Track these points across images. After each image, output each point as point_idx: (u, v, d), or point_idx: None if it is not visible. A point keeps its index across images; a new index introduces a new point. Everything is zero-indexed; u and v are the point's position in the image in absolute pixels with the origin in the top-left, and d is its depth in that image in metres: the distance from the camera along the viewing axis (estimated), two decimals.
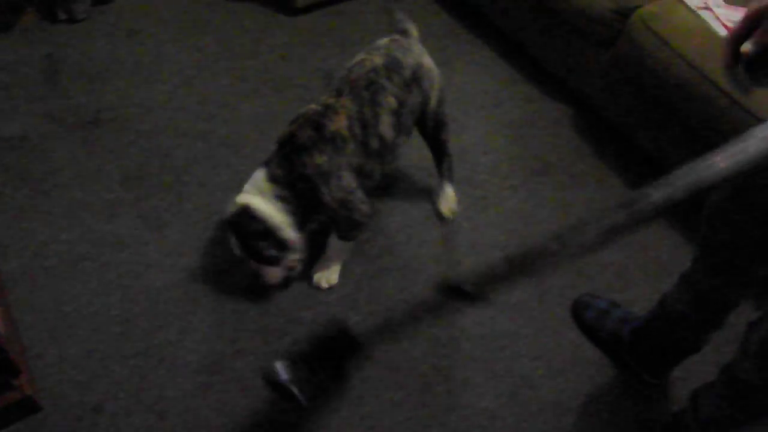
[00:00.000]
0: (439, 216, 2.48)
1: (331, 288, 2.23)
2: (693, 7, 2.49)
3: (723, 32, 2.38)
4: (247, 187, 1.98)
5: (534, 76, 3.02)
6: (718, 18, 2.43)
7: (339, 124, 1.96)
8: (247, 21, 3.07)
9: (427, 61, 2.22)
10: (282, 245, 2.00)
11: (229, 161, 2.53)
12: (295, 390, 1.59)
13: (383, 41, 2.19)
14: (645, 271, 2.40)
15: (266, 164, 1.98)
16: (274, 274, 2.10)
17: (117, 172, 2.45)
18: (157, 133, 2.59)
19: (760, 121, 1.17)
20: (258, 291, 2.19)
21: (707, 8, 2.48)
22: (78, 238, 2.27)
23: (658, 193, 1.11)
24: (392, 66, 2.07)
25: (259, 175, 1.96)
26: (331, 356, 1.62)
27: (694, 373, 2.06)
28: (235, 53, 2.92)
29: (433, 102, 2.23)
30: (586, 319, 2.21)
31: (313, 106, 2.01)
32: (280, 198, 1.95)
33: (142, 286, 2.17)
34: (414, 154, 2.54)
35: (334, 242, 2.18)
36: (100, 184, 2.42)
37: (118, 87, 2.73)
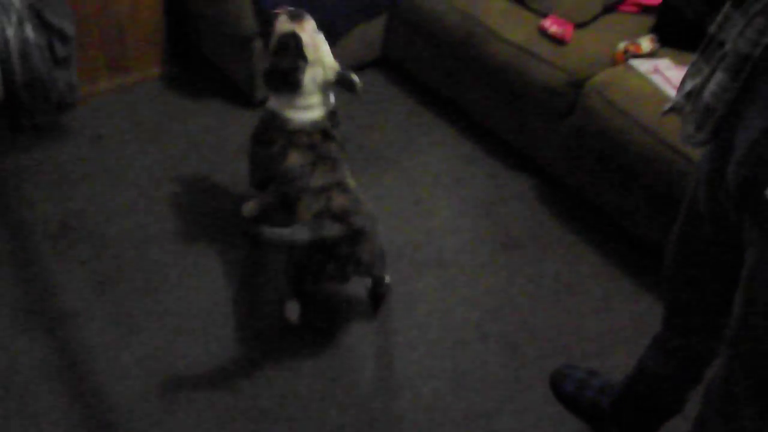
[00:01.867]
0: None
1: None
2: (643, 72, 2.55)
3: (674, 94, 2.43)
4: None
5: (496, 151, 3.05)
6: (668, 81, 2.48)
7: None
8: (209, 118, 3.09)
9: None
10: None
11: (201, 262, 2.52)
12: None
13: None
14: (620, 336, 2.40)
15: None
16: None
17: (89, 279, 2.43)
18: (126, 237, 2.58)
19: None
20: (238, 393, 2.15)
21: (657, 72, 2.54)
22: (52, 349, 2.23)
23: None
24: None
25: None
26: None
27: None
28: (200, 152, 2.93)
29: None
30: (566, 391, 2.19)
31: None
32: None
33: (117, 393, 2.13)
34: None
35: None
36: (72, 293, 2.39)
37: (84, 193, 2.73)
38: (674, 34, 2.70)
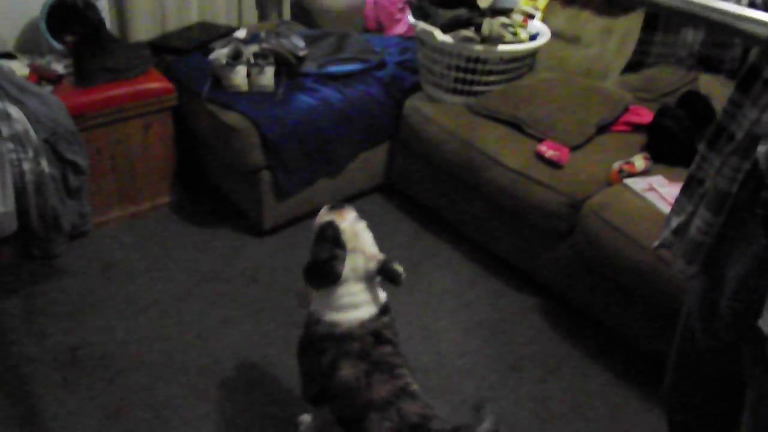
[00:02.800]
0: None
1: None
2: (638, 191, 2.62)
3: (669, 211, 2.49)
4: None
5: (499, 272, 3.09)
6: (663, 197, 2.55)
7: None
8: (219, 247, 3.15)
9: None
10: None
11: (211, 392, 2.50)
12: None
13: None
14: None
15: None
16: None
17: (98, 411, 2.41)
18: (136, 369, 2.57)
19: None
20: None
21: (652, 189, 2.60)
22: None
23: None
24: None
25: None
26: None
27: None
28: (208, 280, 2.97)
29: None
30: None
31: None
32: None
33: None
34: None
35: None
36: (80, 424, 2.36)
37: (94, 322, 2.74)
38: (665, 151, 2.79)
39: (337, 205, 2.16)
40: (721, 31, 1.09)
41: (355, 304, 2.03)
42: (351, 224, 2.09)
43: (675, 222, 1.46)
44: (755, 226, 1.25)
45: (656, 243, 1.55)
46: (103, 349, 2.64)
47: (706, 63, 1.24)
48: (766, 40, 1.04)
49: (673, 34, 1.24)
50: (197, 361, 2.62)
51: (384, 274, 2.04)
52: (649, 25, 1.26)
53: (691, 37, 1.24)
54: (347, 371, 1.94)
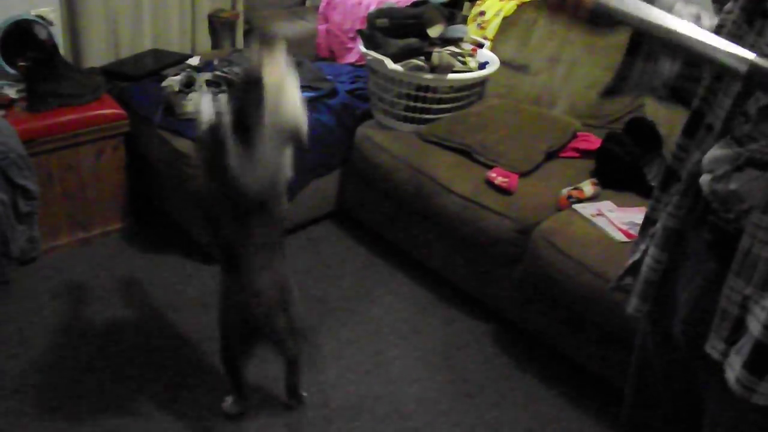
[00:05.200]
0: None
1: None
2: (588, 216, 2.67)
3: (618, 235, 2.54)
4: None
5: (452, 298, 3.11)
6: (612, 222, 2.60)
7: None
8: (169, 273, 3.13)
9: None
10: None
11: (161, 422, 2.48)
12: None
13: None
14: None
15: None
16: None
17: None
18: (85, 398, 2.53)
19: None
20: None
21: (601, 215, 2.66)
22: None
23: None
24: None
25: None
26: None
27: None
28: (159, 307, 2.95)
29: None
30: None
31: None
32: None
33: None
34: None
35: None
36: None
37: (43, 350, 2.70)
38: (613, 177, 2.85)
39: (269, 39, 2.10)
40: (698, 60, 1.15)
41: None
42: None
43: (630, 261, 1.51)
44: (703, 251, 1.29)
45: (612, 284, 1.58)
46: (52, 376, 2.60)
47: (677, 95, 1.30)
48: (743, 75, 1.08)
49: (653, 63, 1.29)
50: (147, 386, 2.59)
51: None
52: (632, 51, 1.31)
53: (668, 68, 1.29)
54: None
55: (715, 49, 1.10)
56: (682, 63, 1.34)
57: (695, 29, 1.12)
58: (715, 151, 1.24)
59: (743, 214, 1.19)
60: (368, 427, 2.51)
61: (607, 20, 1.21)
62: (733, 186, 1.19)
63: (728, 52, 1.09)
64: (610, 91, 1.43)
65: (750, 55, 1.07)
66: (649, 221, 1.45)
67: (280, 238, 2.28)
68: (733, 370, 1.20)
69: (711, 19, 1.32)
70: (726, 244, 1.22)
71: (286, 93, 2.10)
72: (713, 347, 1.24)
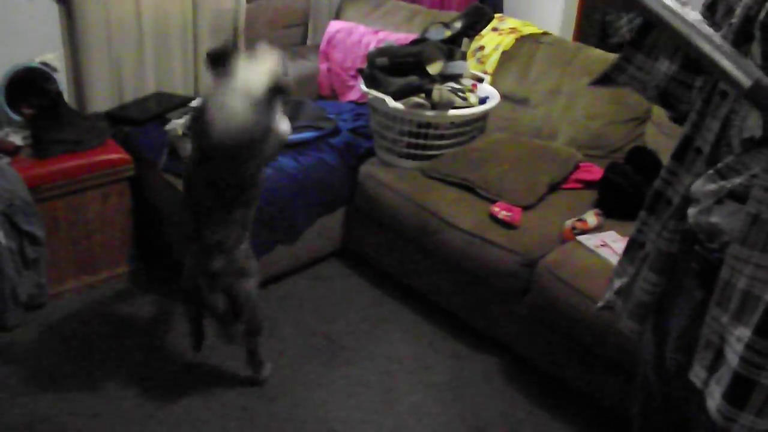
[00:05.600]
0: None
1: None
2: (592, 247, 2.68)
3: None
4: None
5: (459, 333, 3.11)
6: (616, 252, 2.61)
7: None
8: (175, 315, 3.13)
9: None
10: None
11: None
12: None
13: None
14: None
15: None
16: None
17: None
18: None
19: None
20: None
21: (605, 245, 2.67)
22: None
23: None
24: None
25: None
26: None
27: None
28: (168, 352, 2.96)
29: None
30: None
31: None
32: None
33: None
34: None
35: None
36: None
37: (52, 396, 2.70)
38: (617, 207, 2.87)
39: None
40: (705, 63, 1.16)
41: None
42: None
43: (617, 284, 1.52)
44: (691, 281, 1.30)
45: (600, 304, 1.60)
46: (61, 423, 2.60)
47: (664, 98, 1.32)
48: (746, 90, 1.10)
49: (652, 60, 1.31)
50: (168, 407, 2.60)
51: None
52: (636, 44, 1.34)
53: (665, 68, 1.32)
54: None
55: (725, 56, 1.11)
56: (679, 66, 1.35)
57: (712, 32, 1.14)
58: (700, 185, 1.26)
59: (725, 245, 1.20)
60: None
61: (629, 5, 1.22)
62: (713, 219, 1.21)
63: (737, 63, 1.10)
64: (602, 80, 1.44)
65: (757, 73, 1.09)
66: (635, 243, 1.46)
67: (245, 209, 2.51)
68: (714, 399, 1.21)
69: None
70: (711, 274, 1.23)
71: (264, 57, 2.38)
72: (696, 375, 1.25)
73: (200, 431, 2.58)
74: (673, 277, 1.37)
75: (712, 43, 1.13)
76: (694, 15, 1.17)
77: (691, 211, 1.27)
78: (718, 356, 1.21)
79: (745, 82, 1.09)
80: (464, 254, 2.91)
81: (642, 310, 1.44)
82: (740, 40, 1.22)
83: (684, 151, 1.33)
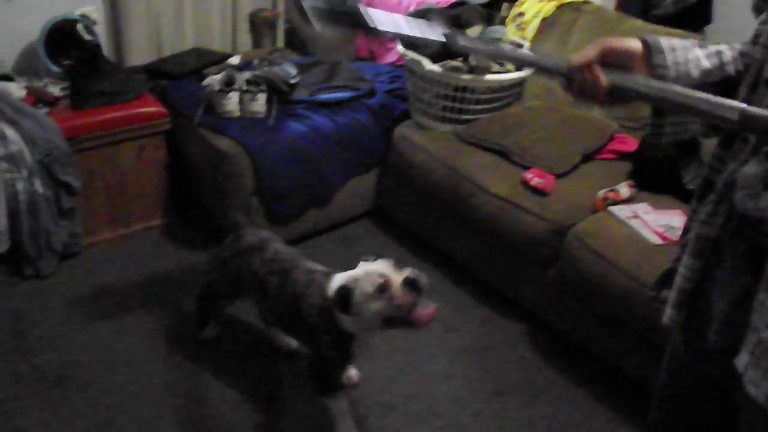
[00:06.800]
0: None
1: None
2: (623, 218, 2.66)
3: (654, 238, 2.53)
4: None
5: (486, 298, 3.12)
6: (647, 225, 2.59)
7: None
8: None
9: None
10: None
11: (198, 418, 2.52)
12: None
13: None
14: None
15: None
16: None
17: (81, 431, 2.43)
18: (122, 390, 2.58)
19: None
20: None
21: (636, 217, 2.65)
22: None
23: None
24: None
25: None
26: None
27: None
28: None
29: None
30: None
31: None
32: None
33: None
34: None
35: None
36: None
37: (83, 342, 2.76)
38: (650, 180, 2.84)
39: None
40: (697, 116, 1.29)
41: None
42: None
43: (666, 269, 1.52)
44: (739, 263, 1.29)
45: (652, 294, 1.58)
46: (90, 369, 2.66)
47: (713, 128, 1.38)
48: (736, 123, 1.16)
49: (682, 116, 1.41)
50: (186, 382, 2.64)
51: None
52: (655, 112, 1.41)
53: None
54: None
55: (708, 103, 1.19)
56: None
57: (690, 91, 1.22)
58: (749, 168, 1.24)
59: None
60: (401, 424, 2.53)
61: (622, 97, 1.33)
62: (763, 204, 1.19)
63: (719, 105, 1.18)
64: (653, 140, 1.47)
65: (739, 105, 1.16)
66: (686, 231, 1.46)
67: None
68: (757, 386, 1.20)
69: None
70: (761, 257, 1.22)
71: None
72: (740, 360, 1.24)
73: (226, 382, 2.62)
74: (716, 260, 1.35)
75: (692, 98, 1.21)
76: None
77: (739, 197, 1.26)
78: (760, 342, 1.20)
79: (732, 116, 1.15)
80: (495, 220, 2.91)
81: (683, 297, 1.43)
82: None
83: (731, 139, 1.31)
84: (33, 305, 2.92)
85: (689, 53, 1.34)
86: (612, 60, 1.34)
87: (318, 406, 2.47)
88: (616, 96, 1.32)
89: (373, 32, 1.37)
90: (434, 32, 1.42)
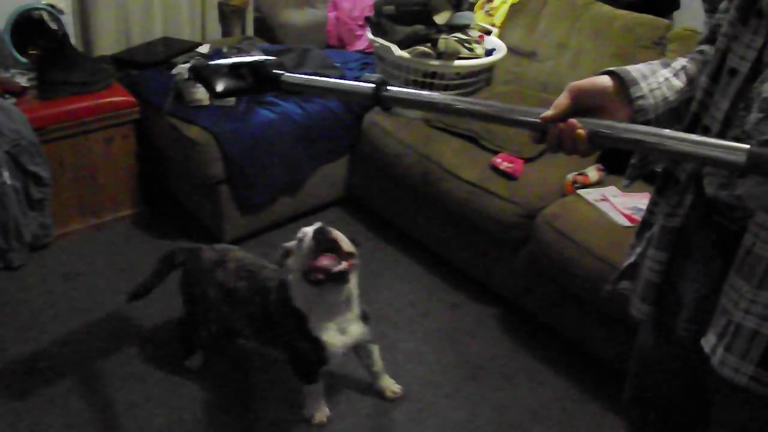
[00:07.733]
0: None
1: None
2: (592, 201, 2.69)
3: (622, 220, 2.56)
4: None
5: (457, 282, 3.14)
6: (615, 207, 2.62)
7: None
8: None
9: None
10: None
11: (167, 401, 2.52)
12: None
13: None
14: None
15: None
16: None
17: (57, 422, 2.41)
18: (96, 380, 2.58)
19: None
20: None
21: (605, 200, 2.68)
22: None
23: None
24: None
25: None
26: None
27: None
28: (169, 292, 2.97)
29: None
30: None
31: None
32: None
33: None
34: None
35: None
36: None
37: (55, 334, 2.75)
38: (618, 164, 2.85)
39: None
40: (696, 162, 1.22)
41: None
42: None
43: (625, 264, 1.53)
44: (709, 250, 1.30)
45: (609, 287, 1.59)
46: (63, 360, 2.65)
47: None
48: (744, 166, 1.07)
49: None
50: (158, 371, 2.64)
51: None
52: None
53: None
54: None
55: (709, 147, 1.09)
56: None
57: (684, 135, 1.13)
58: None
59: (748, 215, 1.19)
60: (374, 409, 2.55)
61: (603, 146, 1.24)
62: (738, 192, 1.20)
63: (724, 147, 1.08)
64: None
65: (745, 146, 1.06)
66: (645, 225, 1.46)
67: None
68: (735, 370, 1.21)
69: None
70: (731, 243, 1.23)
71: None
72: (707, 341, 1.26)
73: (200, 374, 2.63)
74: (682, 249, 1.36)
75: (692, 143, 1.11)
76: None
77: (710, 185, 1.26)
78: (729, 324, 1.21)
79: (740, 159, 1.06)
80: (465, 204, 2.93)
81: (649, 289, 1.44)
82: (746, 16, 1.19)
83: (692, 130, 1.30)
84: (3, 297, 2.90)
85: (658, 76, 1.30)
86: (586, 102, 1.26)
87: (296, 415, 2.49)
88: (598, 144, 1.23)
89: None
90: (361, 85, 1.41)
